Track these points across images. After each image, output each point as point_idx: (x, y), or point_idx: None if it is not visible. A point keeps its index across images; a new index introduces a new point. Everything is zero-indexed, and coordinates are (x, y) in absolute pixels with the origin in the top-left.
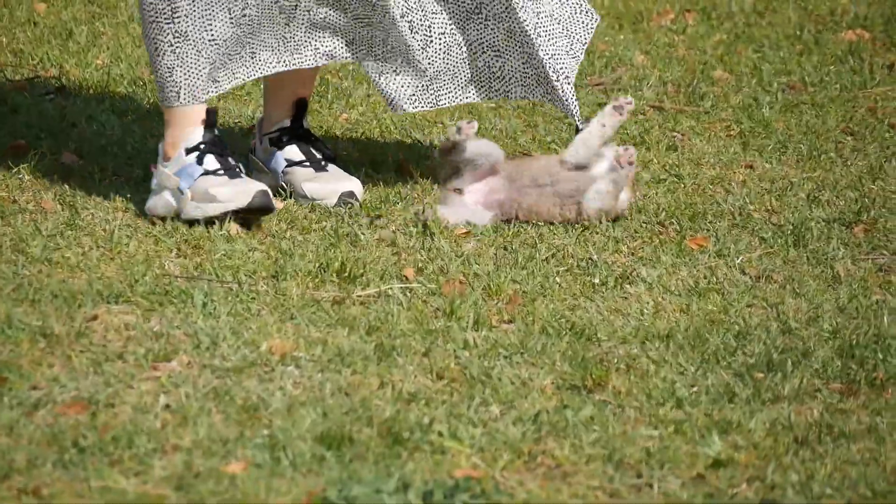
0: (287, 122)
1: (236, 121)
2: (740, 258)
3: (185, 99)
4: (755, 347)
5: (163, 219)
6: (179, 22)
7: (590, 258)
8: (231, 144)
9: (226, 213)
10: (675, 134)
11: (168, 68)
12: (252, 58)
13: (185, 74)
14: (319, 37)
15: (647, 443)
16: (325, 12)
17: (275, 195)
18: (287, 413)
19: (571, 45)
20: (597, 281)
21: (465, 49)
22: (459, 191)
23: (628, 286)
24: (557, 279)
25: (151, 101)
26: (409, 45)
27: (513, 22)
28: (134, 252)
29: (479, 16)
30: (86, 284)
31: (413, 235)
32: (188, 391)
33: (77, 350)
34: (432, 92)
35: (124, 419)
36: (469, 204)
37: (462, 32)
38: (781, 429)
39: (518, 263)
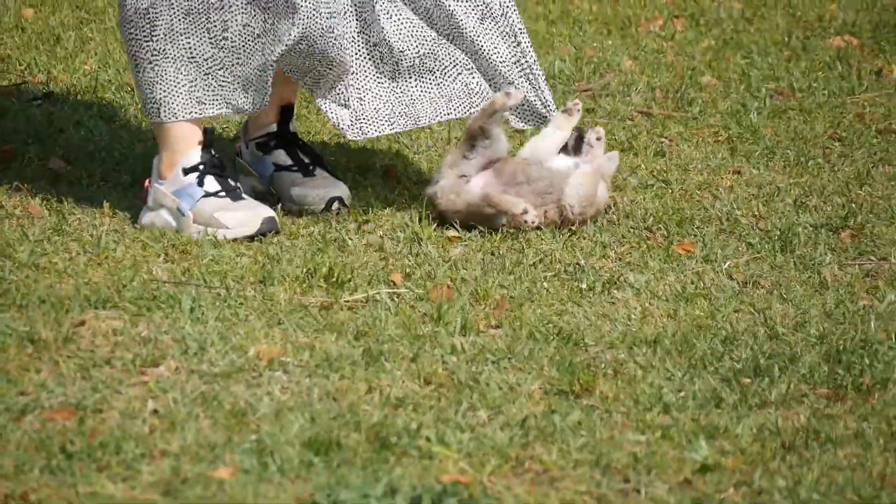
0: (274, 127)
1: (224, 126)
2: (727, 263)
3: (165, 115)
4: (742, 353)
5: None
6: (158, 40)
7: (577, 263)
8: (217, 147)
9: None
10: (662, 139)
11: (148, 84)
12: (244, 90)
13: (164, 91)
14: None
15: (634, 448)
16: (302, 62)
17: (262, 201)
18: (275, 418)
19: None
20: (584, 286)
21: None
22: (465, 178)
23: (616, 291)
24: (545, 284)
25: (139, 106)
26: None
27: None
28: (121, 257)
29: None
30: (73, 290)
31: (400, 241)
32: (176, 396)
33: (64, 355)
34: (411, 116)
35: (112, 424)
36: (473, 189)
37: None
38: (768, 434)
39: (505, 268)
